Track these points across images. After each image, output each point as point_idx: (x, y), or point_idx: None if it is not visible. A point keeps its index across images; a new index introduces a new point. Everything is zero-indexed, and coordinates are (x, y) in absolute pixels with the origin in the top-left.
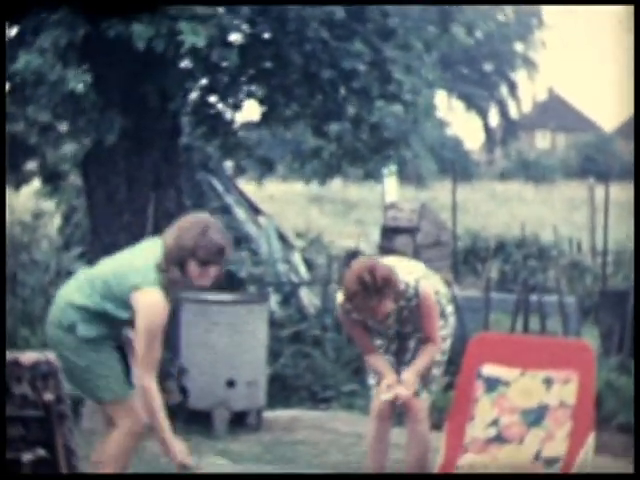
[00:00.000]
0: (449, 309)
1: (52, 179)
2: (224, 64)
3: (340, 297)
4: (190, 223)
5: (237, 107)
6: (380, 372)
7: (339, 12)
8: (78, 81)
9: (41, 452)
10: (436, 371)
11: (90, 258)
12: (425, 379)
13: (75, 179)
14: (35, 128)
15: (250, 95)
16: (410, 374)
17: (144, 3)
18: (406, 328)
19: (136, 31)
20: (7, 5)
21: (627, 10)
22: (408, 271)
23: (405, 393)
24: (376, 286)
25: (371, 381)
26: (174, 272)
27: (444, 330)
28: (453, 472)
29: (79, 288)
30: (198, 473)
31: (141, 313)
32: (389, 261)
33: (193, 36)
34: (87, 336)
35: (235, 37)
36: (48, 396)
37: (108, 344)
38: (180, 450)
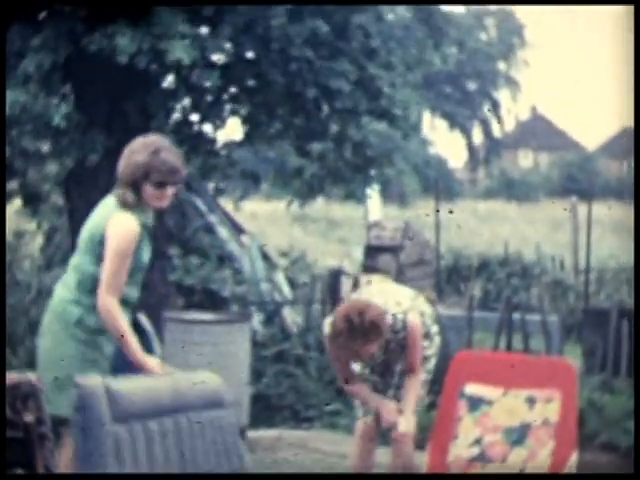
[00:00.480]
0: (434, 329)
1: (33, 199)
2: (206, 84)
3: (327, 328)
4: (141, 145)
5: (219, 126)
6: (371, 401)
7: (323, 27)
8: (61, 116)
9: (21, 473)
10: (421, 391)
11: None
12: None
13: (56, 199)
14: (17, 151)
15: (233, 113)
16: (408, 417)
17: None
18: (392, 357)
19: (119, 45)
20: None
21: (627, 10)
22: (396, 301)
23: (403, 430)
24: (363, 329)
25: (357, 401)
26: (129, 195)
27: (429, 350)
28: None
29: (67, 277)
30: (198, 473)
31: (110, 236)
32: (378, 288)
33: (181, 51)
34: (96, 325)
35: (218, 57)
36: (28, 417)
37: (108, 352)
38: (153, 364)
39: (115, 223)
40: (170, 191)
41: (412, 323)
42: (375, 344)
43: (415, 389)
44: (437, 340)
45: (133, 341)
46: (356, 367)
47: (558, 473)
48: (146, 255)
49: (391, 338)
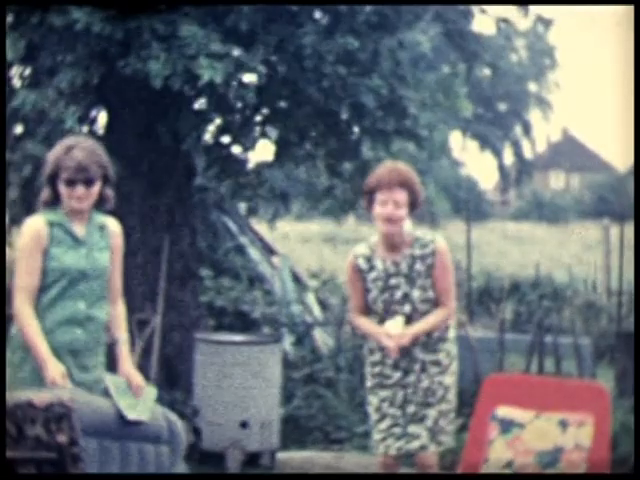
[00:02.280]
0: (453, 351)
1: None
2: (239, 104)
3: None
4: (59, 144)
5: (250, 148)
6: (371, 332)
7: (355, 43)
8: (74, 119)
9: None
10: (443, 422)
11: None
12: (432, 431)
13: None
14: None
15: (263, 135)
16: (410, 331)
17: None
18: (415, 281)
19: (153, 69)
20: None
21: (627, 10)
22: (423, 232)
23: (390, 342)
24: (404, 177)
25: (374, 416)
26: (45, 193)
27: (447, 378)
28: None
29: None
30: (198, 473)
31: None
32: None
33: (211, 71)
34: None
35: (250, 78)
36: (61, 438)
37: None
38: (55, 370)
39: (23, 227)
40: (81, 191)
41: (440, 244)
42: (405, 196)
43: (437, 317)
44: (454, 367)
45: (40, 343)
46: (374, 294)
47: (558, 473)
48: (71, 260)
49: (418, 255)
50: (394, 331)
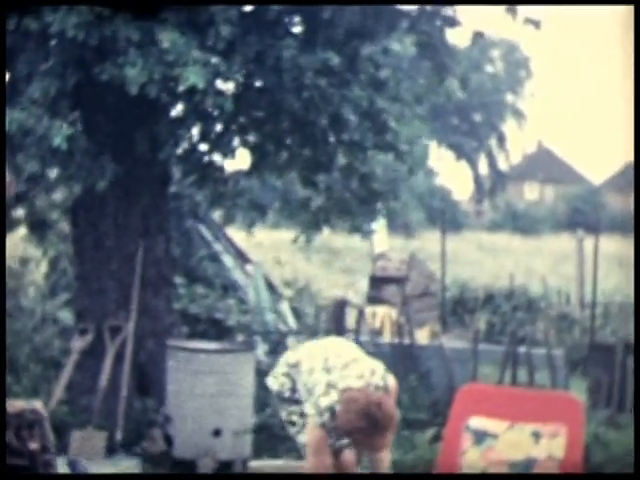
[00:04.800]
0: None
1: (39, 227)
2: (216, 112)
3: (320, 419)
4: None
5: (228, 156)
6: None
7: (334, 58)
8: (63, 137)
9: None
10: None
11: (76, 305)
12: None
13: (63, 226)
14: (23, 177)
15: (242, 144)
16: None
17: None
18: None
19: (129, 75)
20: None
21: (627, 10)
22: (371, 370)
23: None
24: (384, 422)
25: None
26: None
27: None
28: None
29: None
30: (198, 473)
31: None
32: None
33: (194, 75)
34: None
35: (228, 86)
36: (33, 445)
37: None
38: None
39: None
40: None
41: (393, 384)
42: (391, 434)
43: None
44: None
45: None
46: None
47: (559, 473)
48: None
49: None
50: None
